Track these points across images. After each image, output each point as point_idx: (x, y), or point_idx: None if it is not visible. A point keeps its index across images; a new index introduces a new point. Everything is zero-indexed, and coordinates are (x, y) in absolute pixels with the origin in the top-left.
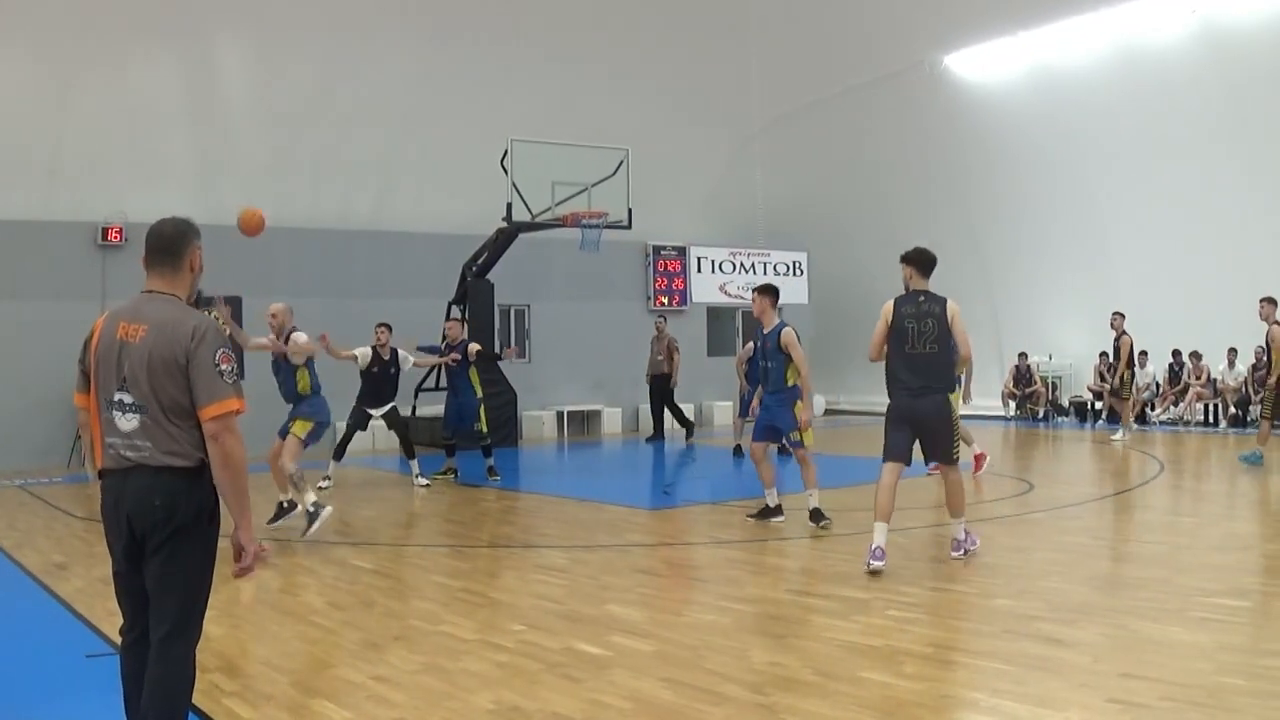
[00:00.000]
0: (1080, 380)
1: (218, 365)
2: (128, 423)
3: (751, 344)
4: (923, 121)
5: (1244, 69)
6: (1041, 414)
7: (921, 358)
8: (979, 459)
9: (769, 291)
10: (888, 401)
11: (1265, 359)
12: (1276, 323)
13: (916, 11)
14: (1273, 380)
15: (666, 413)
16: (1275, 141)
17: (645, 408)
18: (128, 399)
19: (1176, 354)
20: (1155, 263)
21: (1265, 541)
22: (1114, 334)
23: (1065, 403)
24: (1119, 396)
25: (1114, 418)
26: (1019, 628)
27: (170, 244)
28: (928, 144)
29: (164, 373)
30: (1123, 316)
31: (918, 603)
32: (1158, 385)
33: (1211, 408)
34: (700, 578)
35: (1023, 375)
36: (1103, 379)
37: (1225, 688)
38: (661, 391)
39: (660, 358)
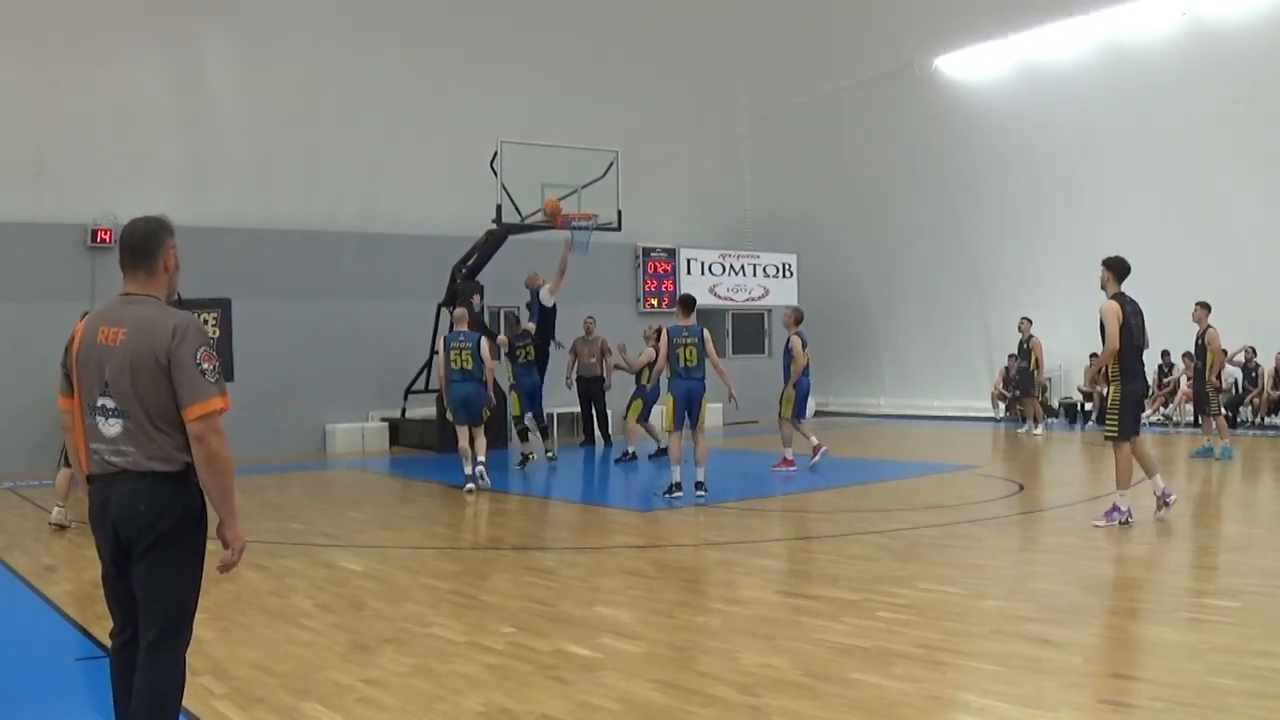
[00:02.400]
0: (1070, 382)
1: (199, 364)
2: (111, 428)
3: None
4: (911, 123)
5: (1233, 70)
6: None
7: (1141, 349)
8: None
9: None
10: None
11: (1198, 361)
12: (1210, 326)
13: (905, 13)
14: (1214, 378)
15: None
16: (1265, 141)
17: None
18: (110, 404)
19: (1166, 354)
20: (1145, 264)
21: (1254, 542)
22: (1198, 328)
23: (1055, 404)
24: (1206, 405)
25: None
26: (1009, 628)
27: (143, 244)
28: (917, 146)
29: (146, 375)
30: (1207, 308)
31: (908, 604)
32: (1147, 386)
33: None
34: (690, 579)
35: (1012, 377)
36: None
37: (1215, 688)
38: (590, 394)
39: (592, 359)
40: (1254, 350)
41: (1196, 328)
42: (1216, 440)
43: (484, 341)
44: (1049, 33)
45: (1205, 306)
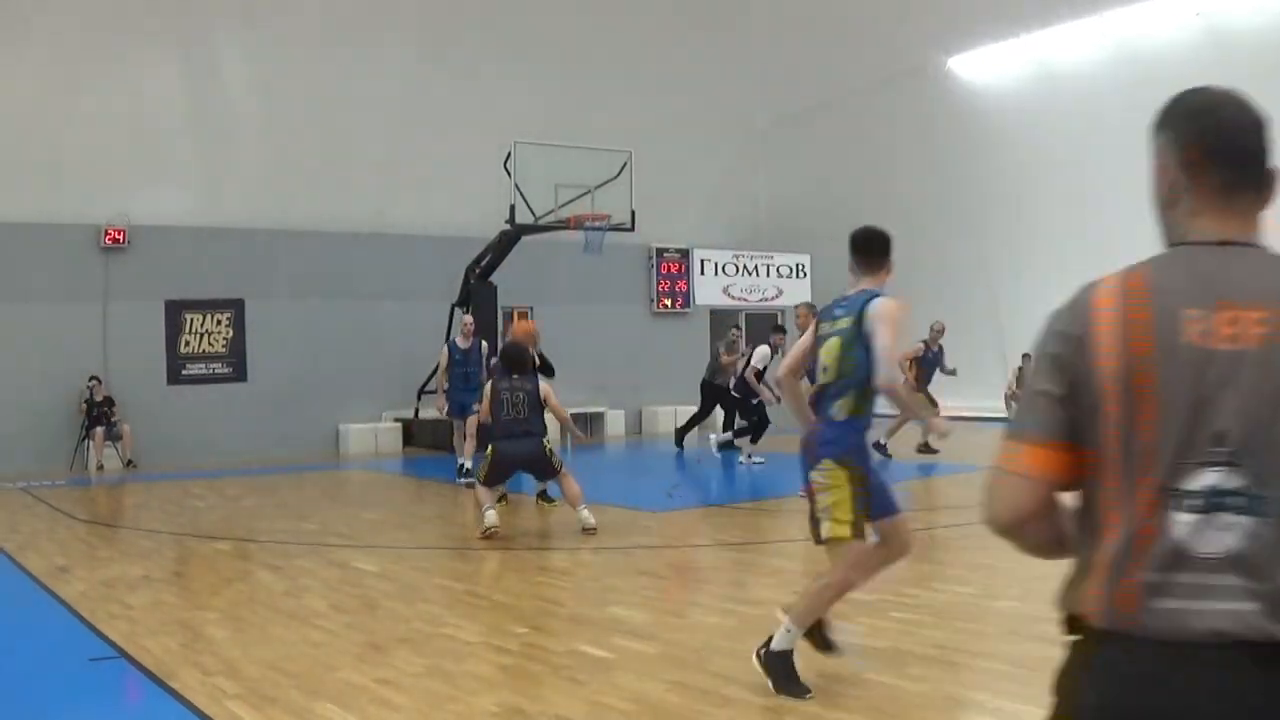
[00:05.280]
0: None
1: None
2: (1217, 532)
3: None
4: (926, 124)
5: (1248, 71)
6: None
7: None
8: None
9: None
10: None
11: None
12: None
13: (918, 14)
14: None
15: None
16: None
17: (657, 410)
18: (1227, 479)
19: None
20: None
21: None
22: None
23: None
24: None
25: None
26: (1023, 629)
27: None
28: (931, 146)
29: None
30: None
31: (922, 604)
32: None
33: None
34: (704, 580)
35: (1024, 377)
36: None
37: None
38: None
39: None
40: None
41: None
42: None
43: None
44: (1062, 32)
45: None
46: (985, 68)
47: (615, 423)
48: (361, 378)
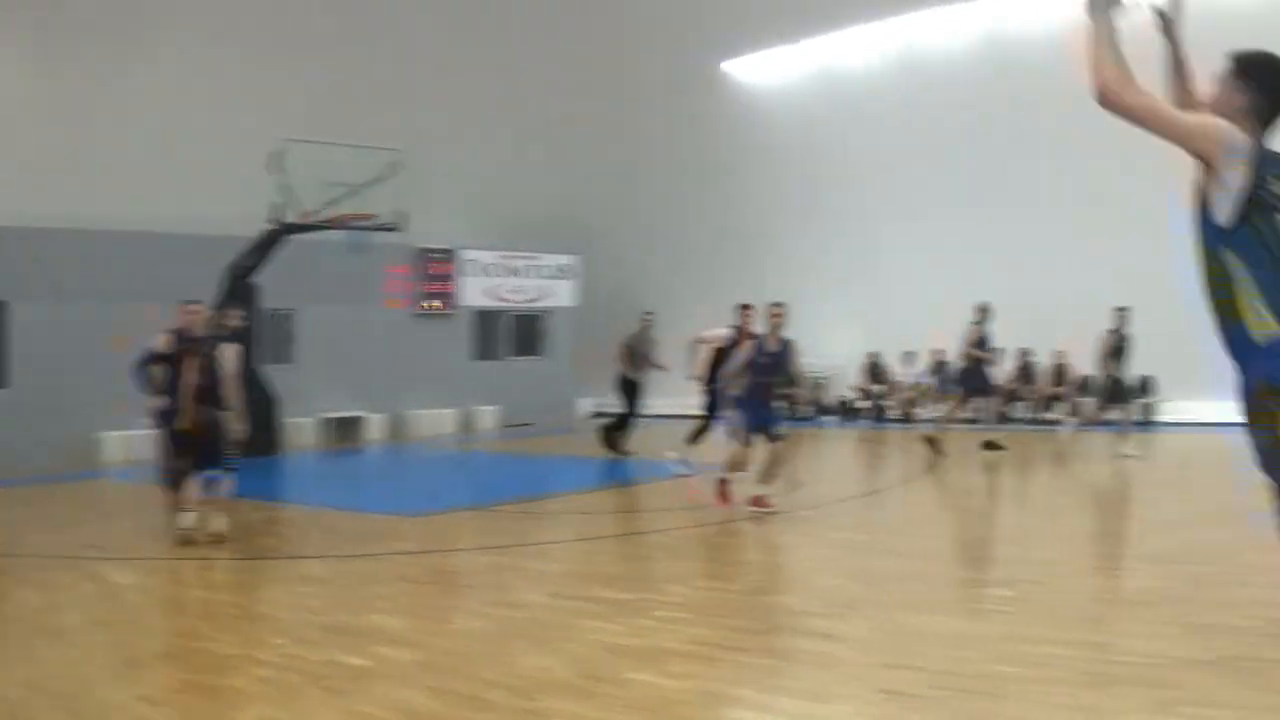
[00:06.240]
0: (845, 380)
1: None
2: None
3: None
4: (701, 127)
5: (1024, 78)
6: (809, 414)
7: None
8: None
9: None
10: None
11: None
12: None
13: (696, 18)
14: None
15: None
16: (1054, 150)
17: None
18: None
19: (937, 353)
20: (930, 267)
21: (1030, 533)
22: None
23: (831, 402)
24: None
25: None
26: (788, 623)
27: None
28: (705, 149)
29: None
30: (984, 311)
31: (685, 602)
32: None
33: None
34: (465, 584)
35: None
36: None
37: (996, 675)
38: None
39: None
40: (1029, 350)
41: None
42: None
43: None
44: (843, 38)
45: (983, 310)
46: (764, 72)
47: (375, 427)
48: (123, 383)
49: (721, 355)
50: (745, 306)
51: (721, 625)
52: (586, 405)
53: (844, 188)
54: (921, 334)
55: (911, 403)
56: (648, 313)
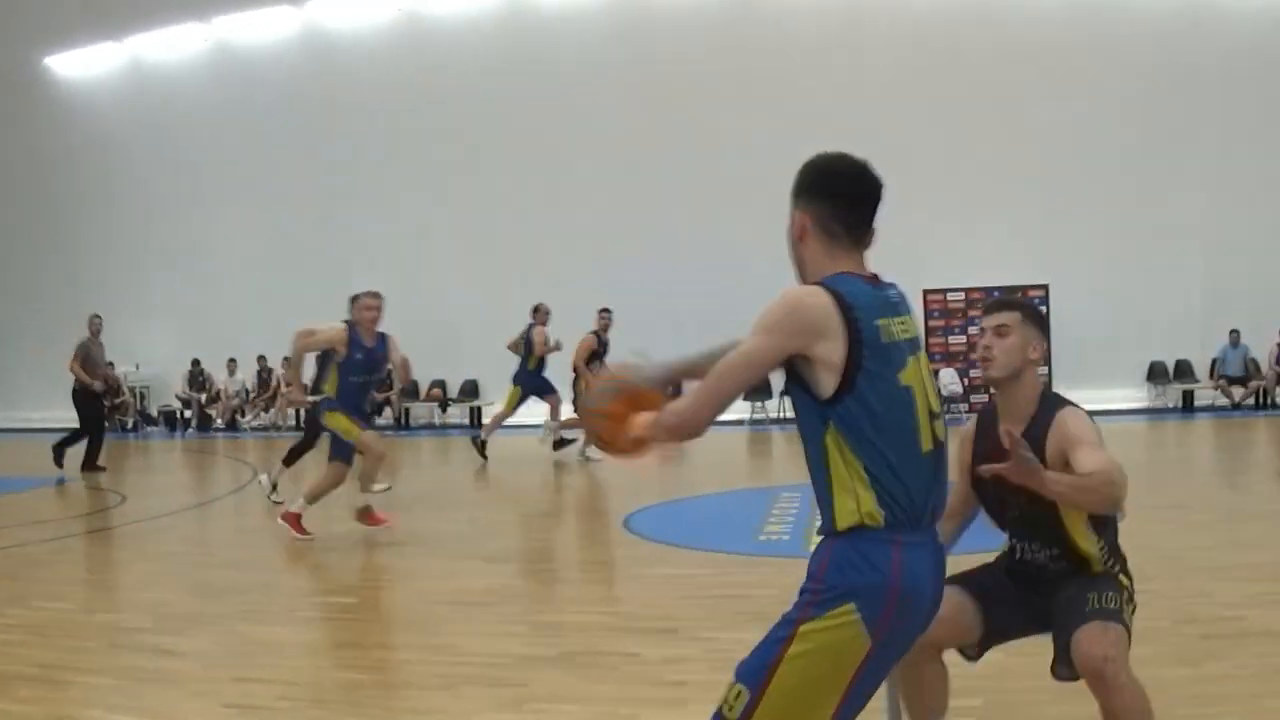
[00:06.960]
0: (169, 389)
1: None
2: None
3: None
4: (18, 123)
5: (346, 73)
6: (131, 424)
7: None
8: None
9: None
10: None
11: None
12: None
13: (16, 9)
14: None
15: None
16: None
17: None
18: None
19: (262, 359)
20: (259, 270)
21: (370, 538)
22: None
23: (154, 412)
24: None
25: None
26: (125, 641)
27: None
28: (21, 146)
29: None
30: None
31: (22, 624)
32: (248, 392)
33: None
34: None
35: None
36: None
37: (345, 682)
38: None
39: None
40: None
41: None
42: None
43: None
44: (162, 36)
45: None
46: (84, 69)
47: None
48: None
49: None
50: None
51: (62, 647)
52: None
53: (167, 189)
54: (243, 340)
55: (238, 411)
56: None
